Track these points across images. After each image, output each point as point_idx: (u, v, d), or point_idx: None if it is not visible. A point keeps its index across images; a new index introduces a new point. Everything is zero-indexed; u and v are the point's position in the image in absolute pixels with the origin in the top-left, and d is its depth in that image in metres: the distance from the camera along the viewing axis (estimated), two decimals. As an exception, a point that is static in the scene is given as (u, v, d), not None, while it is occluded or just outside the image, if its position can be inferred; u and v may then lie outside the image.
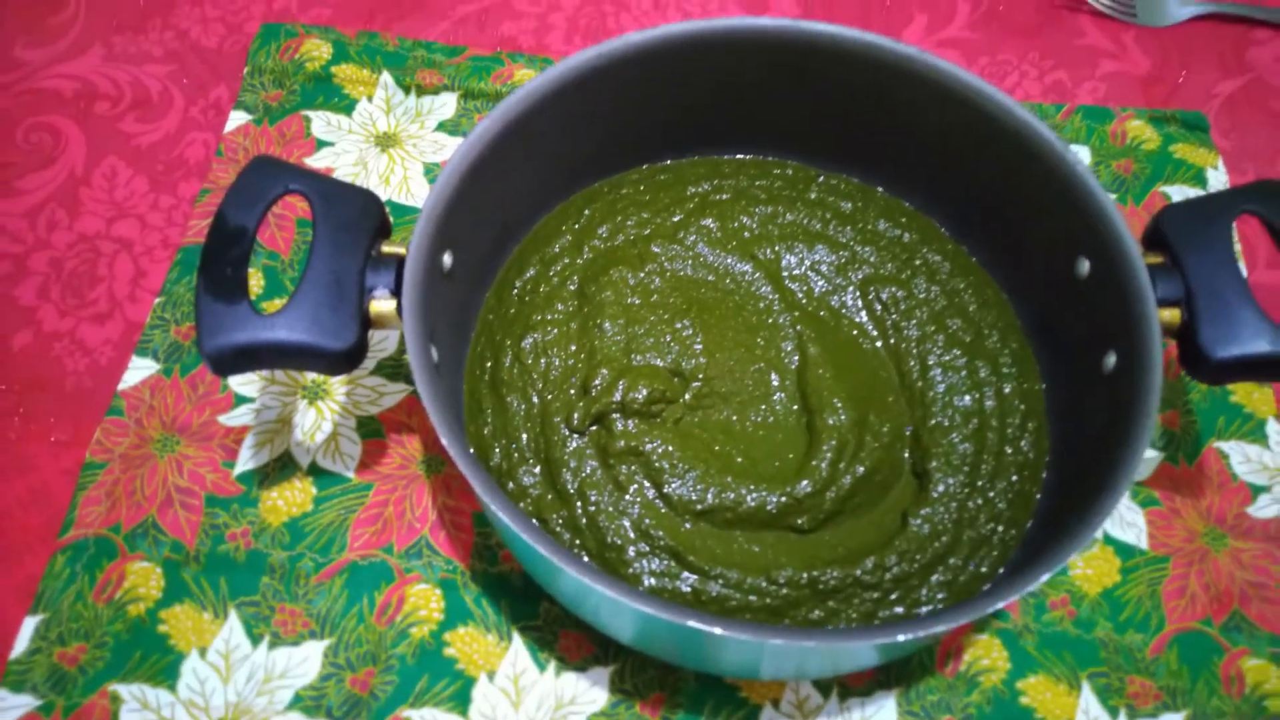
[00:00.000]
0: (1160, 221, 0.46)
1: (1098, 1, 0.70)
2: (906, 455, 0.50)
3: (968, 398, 0.50)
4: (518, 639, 0.47)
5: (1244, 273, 0.58)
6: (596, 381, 0.48)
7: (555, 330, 0.51)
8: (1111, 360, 0.45)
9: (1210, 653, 0.48)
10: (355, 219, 0.43)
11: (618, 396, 0.48)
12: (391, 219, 0.45)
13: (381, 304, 0.42)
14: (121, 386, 0.52)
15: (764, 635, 0.35)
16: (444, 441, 0.39)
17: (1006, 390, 0.50)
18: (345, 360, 0.41)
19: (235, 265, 0.41)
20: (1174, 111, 0.65)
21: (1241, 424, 0.55)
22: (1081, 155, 0.63)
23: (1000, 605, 0.36)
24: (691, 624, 0.35)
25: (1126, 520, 0.52)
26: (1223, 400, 0.55)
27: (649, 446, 0.47)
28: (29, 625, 0.46)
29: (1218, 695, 0.47)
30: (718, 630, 0.35)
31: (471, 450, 0.47)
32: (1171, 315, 0.44)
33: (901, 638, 0.36)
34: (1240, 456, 0.54)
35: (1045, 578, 0.37)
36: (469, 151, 0.46)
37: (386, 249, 0.44)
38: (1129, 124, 0.65)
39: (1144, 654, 0.48)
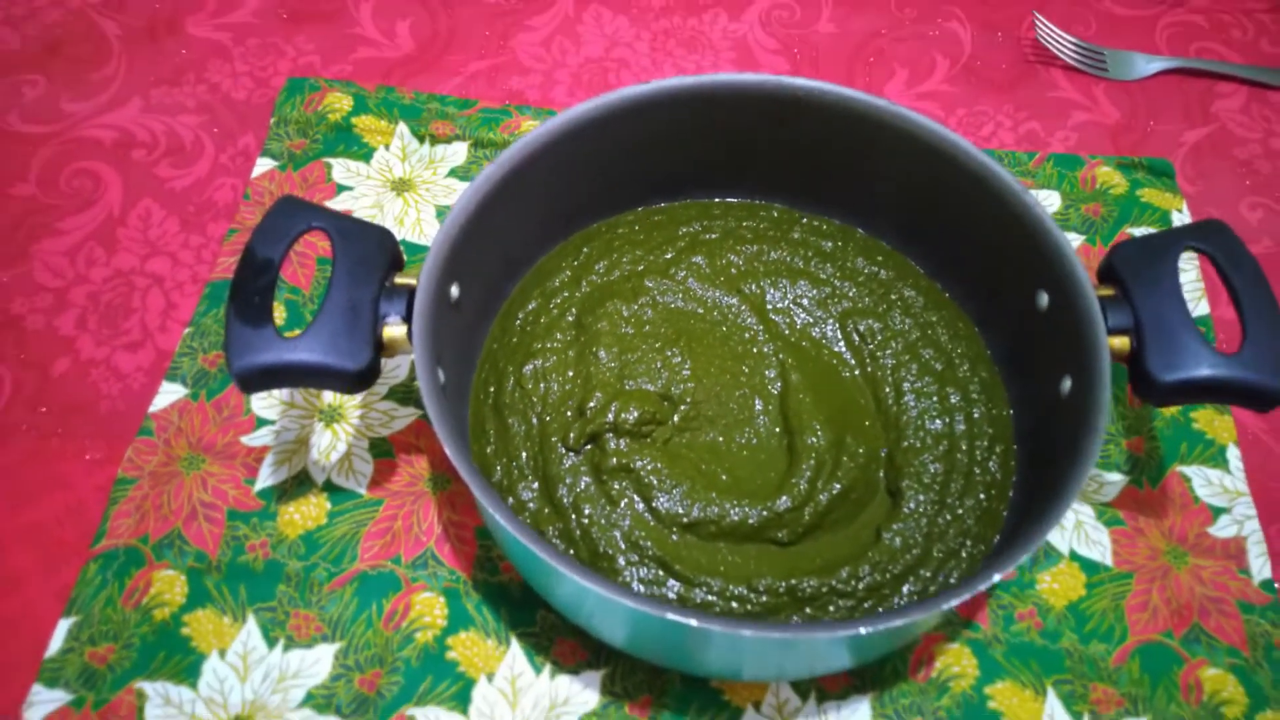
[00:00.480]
0: (1112, 257, 0.50)
1: (1070, 57, 0.75)
2: (881, 475, 0.53)
3: (939, 422, 0.53)
4: (516, 644, 0.50)
5: (1205, 307, 0.62)
6: (591, 404, 0.52)
7: (554, 358, 0.54)
8: (1068, 384, 0.48)
9: (1170, 663, 0.51)
10: (371, 253, 0.48)
11: (610, 417, 0.51)
12: (405, 255, 0.49)
13: (394, 329, 0.46)
14: (152, 409, 0.56)
15: (736, 628, 0.38)
16: (448, 451, 0.42)
17: (976, 415, 0.54)
18: (359, 380, 0.45)
19: (262, 294, 0.45)
20: (1141, 158, 0.69)
21: (1204, 449, 0.58)
22: (1052, 199, 0.68)
23: (954, 603, 0.40)
24: (670, 616, 0.39)
25: (1092, 539, 0.55)
26: (1186, 427, 0.59)
27: (639, 464, 0.51)
28: (63, 627, 0.50)
29: (1176, 702, 0.50)
30: (693, 622, 0.38)
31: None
32: (1122, 343, 0.47)
33: (864, 630, 0.39)
34: (1202, 480, 0.57)
35: (996, 578, 0.40)
36: (475, 193, 0.50)
37: (399, 280, 0.48)
38: (1098, 170, 0.69)
39: (1107, 663, 0.51)
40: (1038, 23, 0.75)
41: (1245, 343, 0.46)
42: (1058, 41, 0.75)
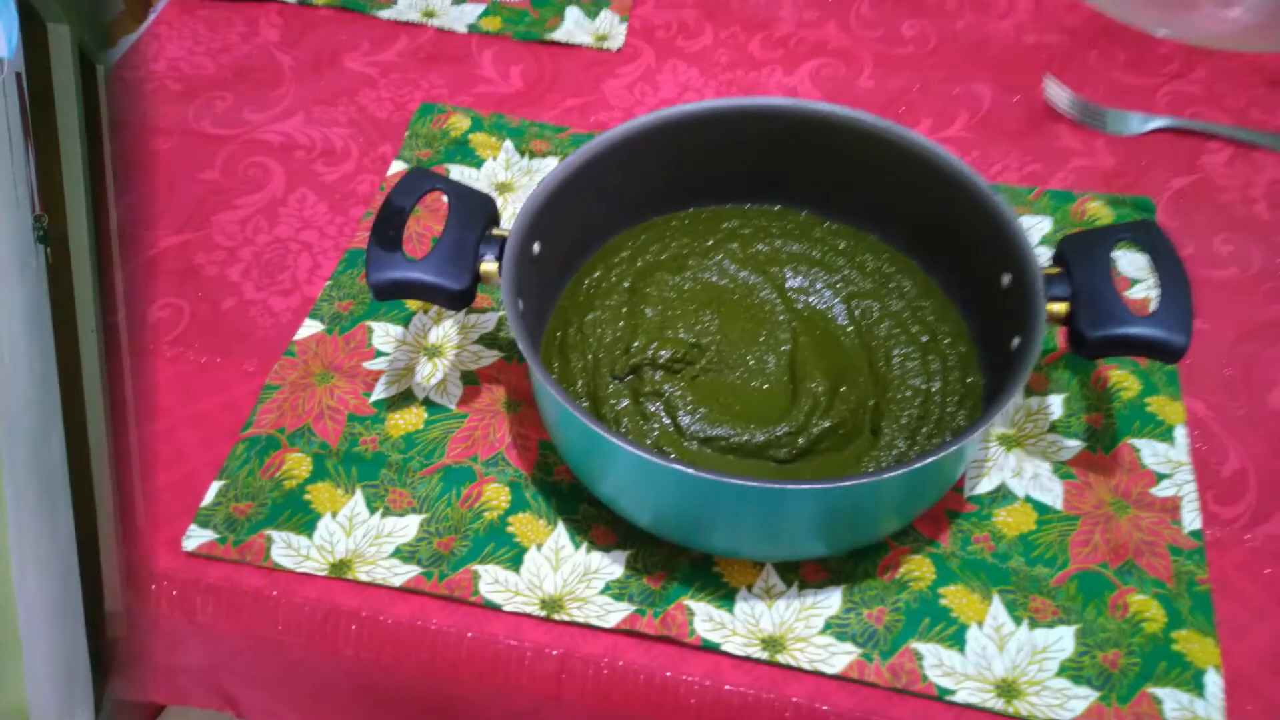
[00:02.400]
0: (1062, 244, 0.62)
1: (1074, 114, 0.87)
2: (867, 418, 0.65)
3: (919, 380, 0.65)
4: (561, 525, 0.63)
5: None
6: (635, 344, 0.66)
7: (610, 311, 0.68)
8: (1016, 342, 0.60)
9: (1104, 588, 0.61)
10: (476, 209, 0.63)
11: (650, 354, 0.65)
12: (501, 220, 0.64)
13: (488, 265, 0.61)
14: (296, 338, 0.72)
15: (719, 476, 0.51)
16: (522, 348, 0.56)
17: (951, 379, 0.65)
18: (460, 298, 0.60)
19: (396, 230, 0.61)
20: (1127, 195, 0.81)
21: (1155, 427, 0.68)
22: (1044, 224, 0.79)
23: (882, 478, 0.51)
24: (675, 466, 0.51)
25: (1046, 487, 0.65)
26: (1140, 409, 0.69)
27: (669, 390, 0.64)
28: (214, 487, 0.65)
29: (1104, 616, 0.59)
30: (690, 471, 0.51)
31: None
32: (1061, 308, 0.59)
33: (819, 487, 0.51)
34: (1150, 451, 0.67)
35: (929, 461, 0.52)
36: (558, 173, 0.65)
37: (495, 232, 0.63)
38: (1088, 205, 0.80)
39: (1048, 583, 0.61)
40: (1047, 83, 0.87)
41: (1159, 308, 0.57)
42: (1064, 100, 0.87)
